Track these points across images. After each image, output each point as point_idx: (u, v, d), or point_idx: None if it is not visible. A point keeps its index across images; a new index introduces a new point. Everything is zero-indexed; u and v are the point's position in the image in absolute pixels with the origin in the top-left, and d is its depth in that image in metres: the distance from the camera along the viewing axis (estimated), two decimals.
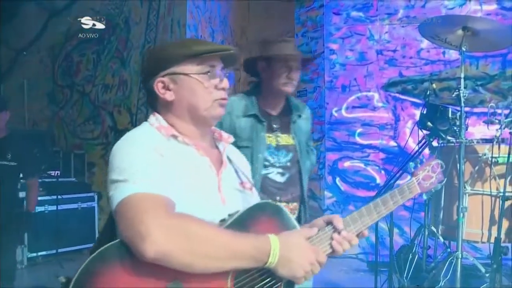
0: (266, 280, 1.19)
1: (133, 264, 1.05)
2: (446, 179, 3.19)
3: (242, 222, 1.18)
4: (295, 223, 1.27)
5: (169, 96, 1.28)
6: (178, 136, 1.26)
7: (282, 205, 2.06)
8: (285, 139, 2.16)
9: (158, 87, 1.28)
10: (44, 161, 5.07)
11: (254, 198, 1.38)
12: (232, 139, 1.43)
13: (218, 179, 1.28)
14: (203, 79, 1.27)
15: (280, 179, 2.12)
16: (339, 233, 1.27)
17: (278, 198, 2.10)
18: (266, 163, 2.10)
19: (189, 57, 1.26)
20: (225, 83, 1.30)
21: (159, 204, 1.09)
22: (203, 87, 1.27)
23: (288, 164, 2.14)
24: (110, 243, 1.06)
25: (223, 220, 1.20)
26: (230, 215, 1.20)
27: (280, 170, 2.12)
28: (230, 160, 1.38)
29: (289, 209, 2.11)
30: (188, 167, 1.22)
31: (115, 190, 1.11)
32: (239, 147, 2.06)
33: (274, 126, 2.15)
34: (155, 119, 1.29)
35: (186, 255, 1.06)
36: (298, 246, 1.18)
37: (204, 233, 1.09)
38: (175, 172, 1.17)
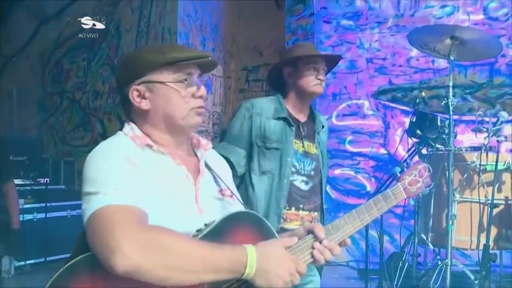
0: None
1: (104, 277, 1.02)
2: (435, 186, 3.25)
3: (218, 232, 1.14)
4: (275, 232, 1.23)
5: (144, 105, 1.23)
6: (153, 146, 1.21)
7: (305, 213, 2.08)
8: (310, 147, 2.15)
9: (133, 95, 1.23)
10: (33, 168, 5.01)
11: (234, 205, 1.33)
12: (210, 145, 1.36)
13: (195, 188, 1.23)
14: (180, 87, 1.22)
15: (304, 187, 2.11)
16: (320, 242, 1.24)
17: (301, 206, 2.08)
18: (293, 169, 2.08)
19: (165, 65, 1.22)
20: (203, 91, 1.25)
21: (130, 216, 1.05)
22: (180, 95, 1.22)
23: (312, 173, 2.13)
24: (81, 256, 1.03)
25: (199, 230, 1.16)
26: (206, 225, 1.16)
27: (305, 178, 2.11)
28: (209, 168, 1.33)
29: (311, 218, 2.10)
30: (164, 177, 1.18)
31: (88, 203, 1.08)
32: (268, 149, 2.05)
33: (302, 133, 2.14)
34: (129, 129, 1.24)
35: (159, 269, 1.02)
36: (276, 256, 1.14)
37: (178, 246, 1.05)
38: (150, 182, 1.13)
